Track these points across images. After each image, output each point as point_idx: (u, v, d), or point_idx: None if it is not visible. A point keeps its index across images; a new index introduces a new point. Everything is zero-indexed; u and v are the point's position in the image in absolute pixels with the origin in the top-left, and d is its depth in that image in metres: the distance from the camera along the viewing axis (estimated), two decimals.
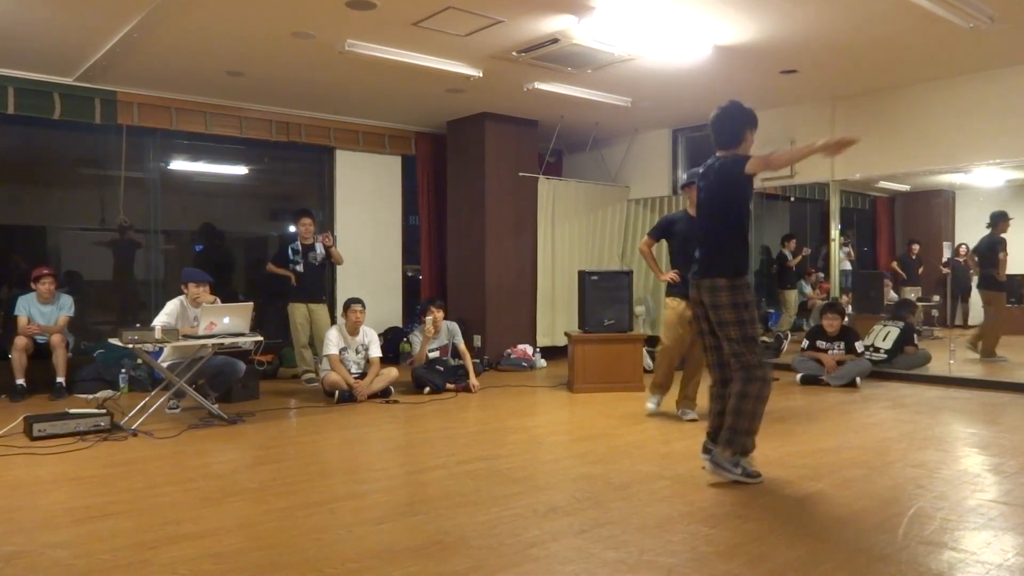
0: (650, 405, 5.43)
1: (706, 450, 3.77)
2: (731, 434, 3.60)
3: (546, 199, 8.59)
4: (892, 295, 9.28)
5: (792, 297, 9.80)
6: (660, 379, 5.41)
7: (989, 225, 7.91)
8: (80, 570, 2.63)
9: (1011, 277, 9.48)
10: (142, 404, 5.14)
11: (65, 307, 6.25)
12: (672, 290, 5.31)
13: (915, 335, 7.47)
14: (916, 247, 9.81)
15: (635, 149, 9.23)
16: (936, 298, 9.37)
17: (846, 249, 9.45)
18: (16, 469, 4.00)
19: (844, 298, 8.55)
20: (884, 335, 7.37)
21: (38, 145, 7.43)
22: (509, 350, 8.18)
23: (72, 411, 4.82)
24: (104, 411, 4.86)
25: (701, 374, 5.08)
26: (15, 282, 7.21)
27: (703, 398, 4.60)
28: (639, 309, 8.28)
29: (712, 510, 3.26)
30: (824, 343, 6.85)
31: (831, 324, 6.83)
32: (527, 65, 6.21)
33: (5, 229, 7.44)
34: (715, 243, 3.73)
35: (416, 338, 6.63)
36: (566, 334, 7.20)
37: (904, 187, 9.26)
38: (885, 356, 7.21)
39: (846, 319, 7.25)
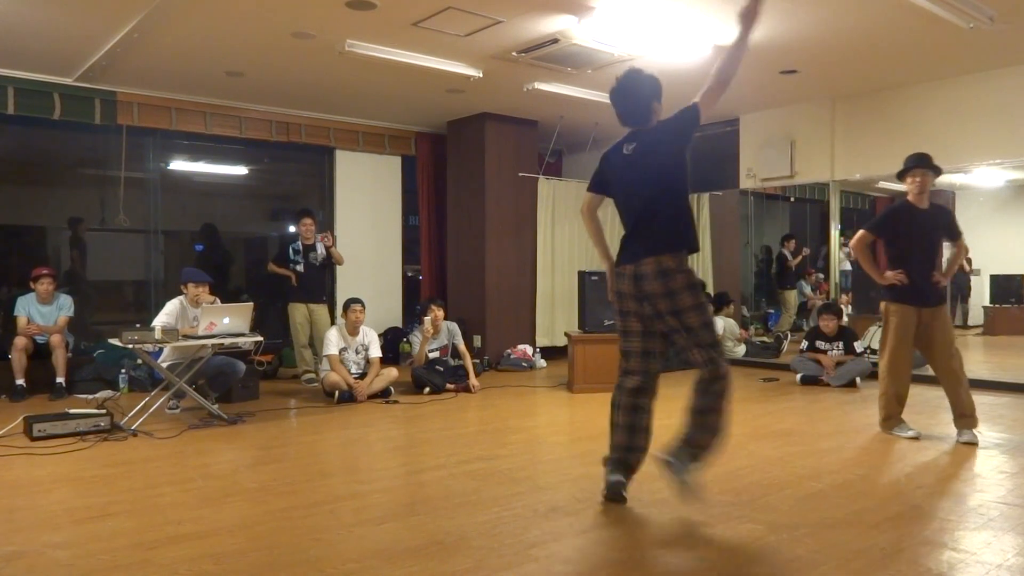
0: (911, 432, 4.62)
1: (615, 493, 3.29)
2: (696, 451, 3.11)
3: (546, 199, 8.58)
4: None
5: (792, 297, 9.81)
6: (900, 404, 4.66)
7: None
8: (80, 570, 2.63)
9: (1011, 277, 9.48)
10: (142, 404, 5.13)
11: (64, 307, 6.25)
12: (890, 294, 4.60)
13: None
14: None
15: None
16: None
17: (846, 249, 9.45)
18: (16, 469, 4.00)
19: (844, 298, 8.55)
20: (879, 336, 7.35)
21: (38, 145, 7.43)
22: (509, 350, 8.18)
23: (72, 411, 4.82)
24: (104, 411, 4.86)
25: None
26: (15, 282, 7.21)
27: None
28: None
29: (711, 511, 3.26)
30: (823, 343, 6.84)
31: (827, 325, 6.83)
32: (527, 65, 6.21)
33: (5, 229, 7.43)
34: (669, 217, 3.19)
35: (416, 338, 6.62)
36: (566, 334, 7.19)
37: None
38: None
39: (844, 319, 7.23)
